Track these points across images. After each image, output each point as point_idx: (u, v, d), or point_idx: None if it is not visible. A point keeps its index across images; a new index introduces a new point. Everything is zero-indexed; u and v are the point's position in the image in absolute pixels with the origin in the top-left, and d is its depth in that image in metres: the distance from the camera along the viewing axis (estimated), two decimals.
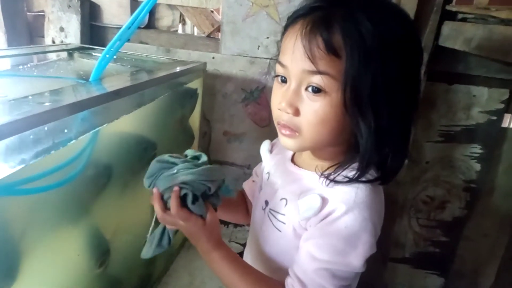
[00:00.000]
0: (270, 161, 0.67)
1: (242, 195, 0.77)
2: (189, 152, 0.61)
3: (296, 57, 0.48)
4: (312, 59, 0.46)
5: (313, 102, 0.48)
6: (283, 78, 0.52)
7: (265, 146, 0.70)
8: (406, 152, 0.53)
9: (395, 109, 0.48)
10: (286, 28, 0.52)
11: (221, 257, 0.56)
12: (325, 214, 0.50)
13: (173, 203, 0.55)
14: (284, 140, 0.53)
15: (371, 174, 0.52)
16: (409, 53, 0.48)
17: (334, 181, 0.51)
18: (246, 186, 0.76)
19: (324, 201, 0.51)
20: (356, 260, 0.49)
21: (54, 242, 0.60)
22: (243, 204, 0.76)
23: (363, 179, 0.51)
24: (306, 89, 0.49)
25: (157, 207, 0.56)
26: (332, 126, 0.49)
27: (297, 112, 0.50)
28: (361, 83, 0.45)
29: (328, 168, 0.54)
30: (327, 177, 0.52)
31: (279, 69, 0.52)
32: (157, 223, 0.60)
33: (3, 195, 0.46)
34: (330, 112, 0.48)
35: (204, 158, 0.59)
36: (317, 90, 0.48)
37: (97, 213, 0.70)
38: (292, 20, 0.50)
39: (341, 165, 0.53)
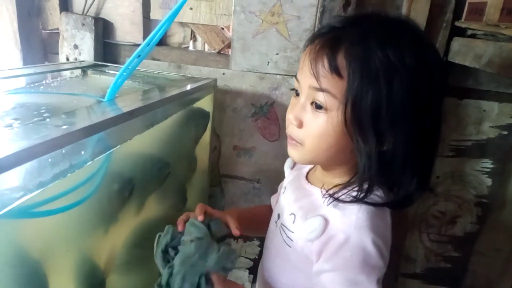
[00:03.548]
0: (289, 176, 0.69)
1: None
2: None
3: (305, 73, 0.51)
4: (316, 76, 0.49)
5: (315, 118, 0.51)
6: (297, 92, 0.55)
7: (288, 163, 0.73)
8: (426, 181, 0.53)
9: (402, 135, 0.48)
10: (306, 45, 0.55)
11: None
12: (326, 238, 0.51)
13: None
14: (288, 149, 0.57)
15: (380, 197, 0.52)
16: (421, 82, 0.48)
17: (337, 199, 0.52)
18: (274, 201, 0.77)
19: (326, 222, 0.51)
20: (370, 284, 0.49)
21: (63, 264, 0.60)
22: None
23: (368, 200, 0.51)
24: (311, 104, 0.51)
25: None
26: (331, 142, 0.51)
27: (300, 125, 0.53)
28: (361, 104, 0.46)
29: (334, 186, 0.54)
30: (330, 195, 0.53)
31: (295, 83, 0.55)
32: None
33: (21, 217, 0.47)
34: (329, 129, 0.50)
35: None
36: (319, 107, 0.50)
37: (109, 236, 0.70)
38: (312, 37, 0.53)
39: (346, 184, 0.53)
